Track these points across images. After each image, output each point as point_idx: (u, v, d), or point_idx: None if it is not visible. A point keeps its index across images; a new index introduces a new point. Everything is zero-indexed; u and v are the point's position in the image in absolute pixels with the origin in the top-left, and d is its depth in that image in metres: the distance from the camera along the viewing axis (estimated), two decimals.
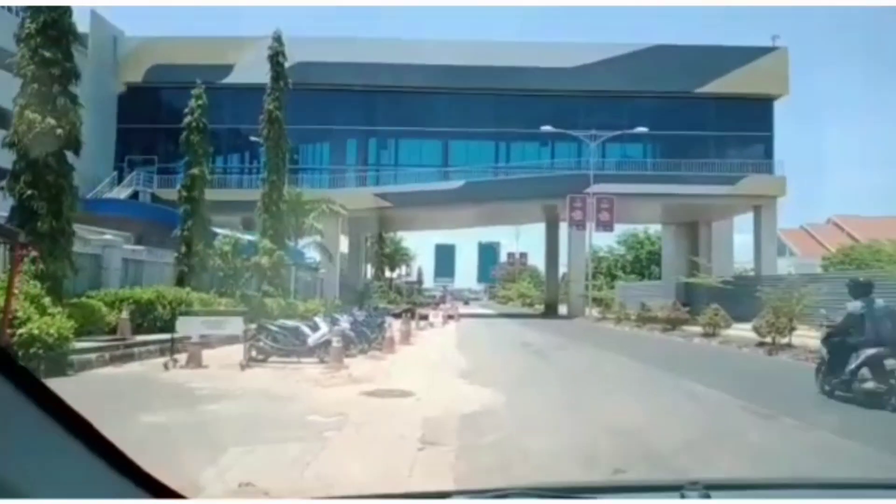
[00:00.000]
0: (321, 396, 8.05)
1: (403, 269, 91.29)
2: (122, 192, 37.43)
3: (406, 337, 18.76)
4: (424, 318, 27.90)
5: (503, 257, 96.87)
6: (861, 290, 8.36)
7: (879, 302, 8.29)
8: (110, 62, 39.59)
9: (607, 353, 15.81)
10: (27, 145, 11.01)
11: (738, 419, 7.23)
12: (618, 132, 35.55)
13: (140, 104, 40.19)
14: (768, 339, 15.76)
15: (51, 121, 11.13)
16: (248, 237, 21.46)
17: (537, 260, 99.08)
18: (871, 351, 7.72)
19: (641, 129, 34.85)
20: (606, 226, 35.07)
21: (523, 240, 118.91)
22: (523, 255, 78.99)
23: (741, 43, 40.13)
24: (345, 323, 14.31)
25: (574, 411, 7.37)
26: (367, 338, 14.85)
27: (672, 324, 21.89)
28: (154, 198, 38.05)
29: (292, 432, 5.76)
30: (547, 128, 35.26)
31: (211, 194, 35.41)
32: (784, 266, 50.04)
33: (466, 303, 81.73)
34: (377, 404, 7.49)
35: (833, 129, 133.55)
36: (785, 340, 15.46)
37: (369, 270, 65.29)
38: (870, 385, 7.68)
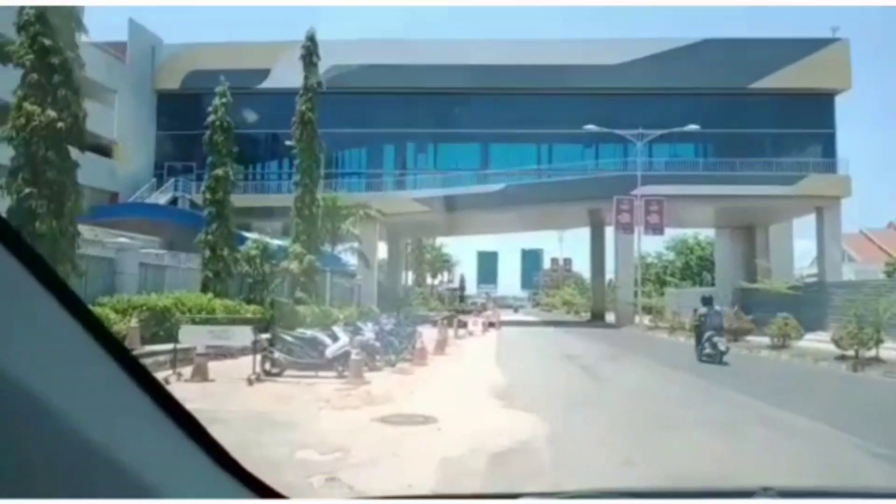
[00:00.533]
0: (326, 422, 6.79)
1: (445, 276, 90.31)
2: (160, 198, 37.35)
3: (441, 347, 17.46)
4: (464, 325, 26.57)
5: (546, 264, 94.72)
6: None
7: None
8: (149, 70, 39.70)
9: (665, 368, 14.12)
10: (25, 139, 10.15)
11: (859, 464, 5.60)
12: (667, 130, 33.57)
13: (178, 110, 40.11)
14: (850, 352, 13.84)
15: (51, 113, 10.27)
16: (277, 242, 20.57)
17: (582, 266, 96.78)
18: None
19: (693, 127, 32.78)
20: (656, 229, 33.06)
21: (567, 245, 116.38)
22: (567, 261, 76.87)
23: (797, 35, 37.64)
24: (369, 332, 13.10)
25: (638, 450, 5.87)
26: (395, 348, 13.61)
27: (734, 334, 19.93)
28: (192, 204, 37.82)
29: (272, 475, 4.47)
30: (591, 127, 33.54)
31: (250, 200, 35.42)
32: (844, 273, 47.01)
33: (516, 310, 79.94)
34: (390, 434, 6.17)
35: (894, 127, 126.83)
36: (871, 354, 13.53)
37: (409, 277, 64.39)
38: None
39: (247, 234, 20.51)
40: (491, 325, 31.58)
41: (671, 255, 73.82)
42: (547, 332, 31.01)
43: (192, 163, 39.77)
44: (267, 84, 38.53)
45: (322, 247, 33.09)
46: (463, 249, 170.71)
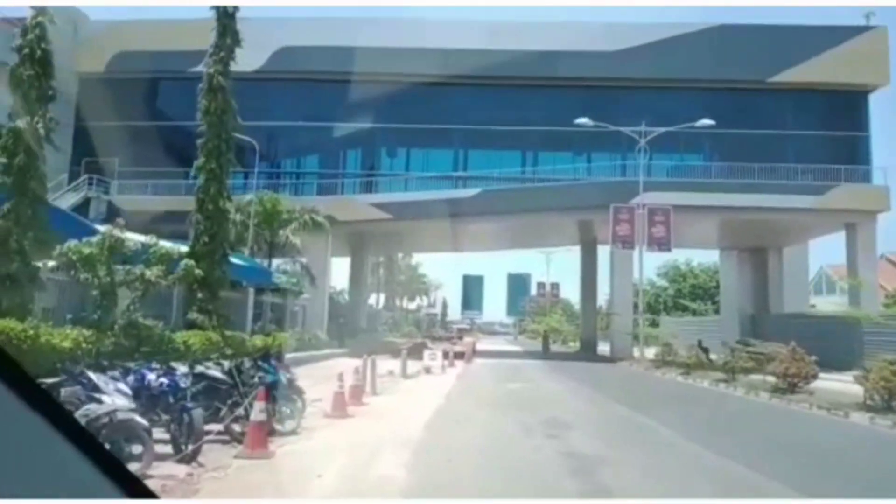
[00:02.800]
0: None
1: (426, 300, 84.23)
2: (70, 198, 31.32)
3: (358, 398, 11.49)
4: (424, 357, 20.61)
5: (534, 289, 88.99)
6: None
7: None
8: (69, 49, 33.81)
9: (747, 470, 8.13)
10: None
11: None
12: (673, 128, 28.06)
13: (101, 97, 34.23)
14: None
15: None
16: (143, 239, 14.63)
17: (570, 291, 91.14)
18: None
19: (705, 122, 27.32)
20: (661, 244, 27.34)
21: (556, 268, 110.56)
22: (555, 285, 71.05)
23: (824, 23, 32.46)
24: (155, 379, 7.14)
25: None
26: (212, 412, 7.58)
27: (793, 379, 13.98)
28: (110, 207, 31.87)
29: None
30: (583, 121, 28.00)
31: (163, 203, 29.37)
32: (838, 304, 41.77)
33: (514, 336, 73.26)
34: None
35: None
36: None
37: (381, 299, 58.44)
38: None
39: (100, 228, 14.46)
40: (459, 356, 25.58)
41: (663, 283, 68.36)
42: (527, 368, 24.95)
43: (115, 158, 33.89)
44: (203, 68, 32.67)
45: (253, 257, 27.18)
46: (448, 273, 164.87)
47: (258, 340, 21.82)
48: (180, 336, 16.36)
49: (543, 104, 32.37)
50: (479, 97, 32.99)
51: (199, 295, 18.85)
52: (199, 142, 19.98)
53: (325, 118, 32.83)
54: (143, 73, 34.28)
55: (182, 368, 7.61)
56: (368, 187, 32.15)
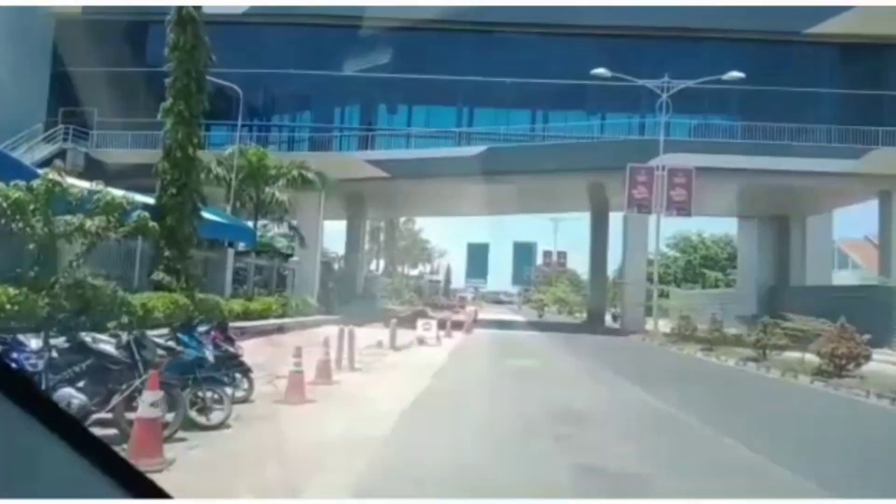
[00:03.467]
0: None
1: (429, 267, 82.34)
2: (43, 150, 29.11)
3: (327, 375, 9.48)
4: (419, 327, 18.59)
5: (540, 258, 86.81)
6: None
7: None
8: None
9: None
10: None
11: None
12: (698, 81, 25.47)
13: (80, 41, 31.75)
14: None
15: None
16: (88, 186, 12.52)
17: (578, 261, 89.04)
18: None
19: (734, 75, 24.75)
20: (682, 208, 25.04)
21: (563, 237, 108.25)
22: (562, 254, 68.97)
23: None
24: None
25: None
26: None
27: (842, 360, 11.89)
28: (88, 159, 29.70)
29: None
30: (600, 71, 25.47)
31: (145, 157, 27.03)
32: (849, 280, 39.70)
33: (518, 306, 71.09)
34: None
35: None
36: None
37: (381, 265, 56.48)
38: None
39: (39, 171, 12.32)
40: (457, 326, 23.61)
41: (673, 254, 65.70)
42: (532, 341, 22.96)
43: (94, 108, 31.54)
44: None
45: (237, 215, 25.07)
46: (452, 240, 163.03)
47: (236, 305, 19.90)
48: (139, 298, 14.40)
49: (556, 56, 29.72)
50: (486, 47, 30.35)
51: (166, 253, 16.87)
52: (167, 80, 17.75)
53: (320, 66, 30.33)
54: (127, 14, 31.71)
55: (34, 342, 5.53)
56: (365, 143, 29.81)
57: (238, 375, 7.45)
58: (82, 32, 31.13)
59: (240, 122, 25.37)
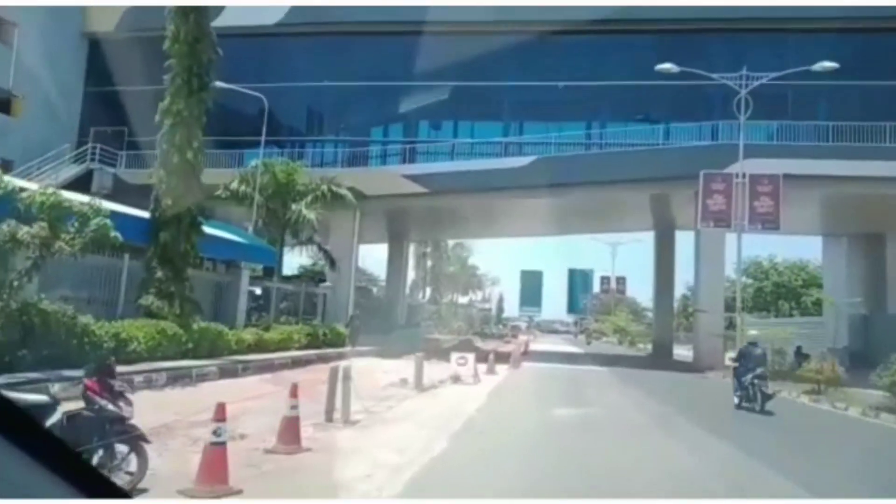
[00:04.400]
0: None
1: (479, 295, 79.22)
2: (69, 172, 27.88)
3: (293, 436, 6.59)
4: (461, 360, 15.55)
5: (597, 286, 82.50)
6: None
7: None
8: (75, 6, 30.52)
9: None
10: None
11: None
12: (779, 74, 21.91)
13: (112, 59, 30.74)
14: None
15: None
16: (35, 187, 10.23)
17: (638, 287, 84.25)
18: None
19: (826, 65, 21.10)
20: (767, 221, 21.29)
21: (621, 261, 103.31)
22: (620, 279, 64.74)
23: None
24: None
25: None
26: None
27: None
28: (117, 180, 28.33)
29: None
30: (666, 66, 22.23)
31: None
32: None
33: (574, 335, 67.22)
34: None
35: None
36: None
37: (427, 291, 53.77)
38: None
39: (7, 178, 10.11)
40: (503, 358, 20.50)
41: (744, 279, 59.69)
42: (589, 379, 19.54)
43: (124, 127, 30.26)
44: (219, 22, 28.56)
45: (264, 237, 22.83)
46: (505, 267, 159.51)
47: (248, 335, 17.40)
48: (112, 327, 12.00)
49: (613, 56, 26.73)
50: (534, 50, 27.53)
51: (158, 274, 14.54)
52: (166, 77, 15.70)
53: (354, 77, 28.23)
54: (158, 30, 30.52)
55: None
56: (403, 158, 27.31)
57: (121, 448, 4.69)
58: (115, 50, 30.02)
59: (264, 134, 23.30)
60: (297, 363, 17.35)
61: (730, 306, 54.53)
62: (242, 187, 22.84)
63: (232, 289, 18.44)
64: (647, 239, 35.72)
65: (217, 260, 18.59)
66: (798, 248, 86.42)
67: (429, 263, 49.79)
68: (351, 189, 24.12)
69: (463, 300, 67.68)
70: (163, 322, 13.68)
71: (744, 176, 21.74)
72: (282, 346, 19.01)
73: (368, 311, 29.70)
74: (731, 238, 23.76)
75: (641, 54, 25.63)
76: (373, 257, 52.72)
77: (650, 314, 56.25)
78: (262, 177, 23.01)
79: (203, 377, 12.96)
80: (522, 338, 51.01)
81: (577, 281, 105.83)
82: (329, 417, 8.55)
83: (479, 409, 10.96)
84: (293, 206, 23.00)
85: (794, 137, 24.68)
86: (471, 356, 15.23)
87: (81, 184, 25.82)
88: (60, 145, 28.69)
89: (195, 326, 14.77)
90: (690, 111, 26.65)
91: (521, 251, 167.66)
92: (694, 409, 12.37)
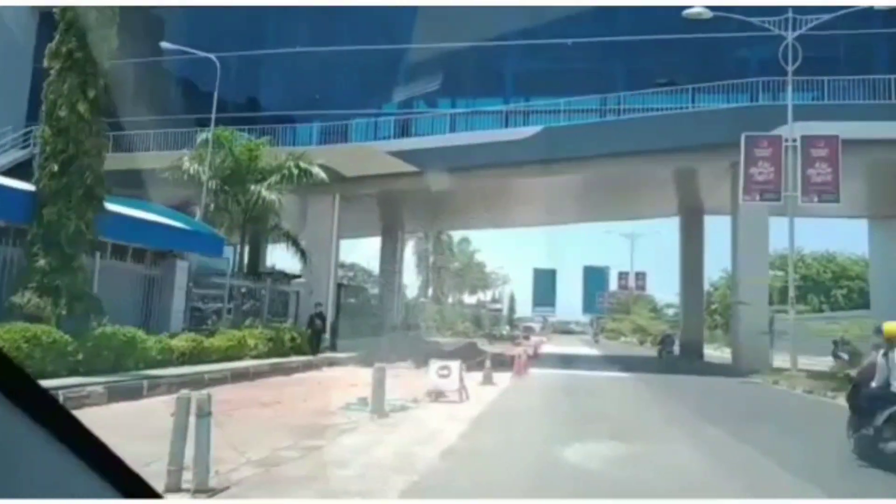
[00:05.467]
0: None
1: (489, 294, 75.32)
2: (12, 156, 24.62)
3: None
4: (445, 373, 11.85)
5: (613, 285, 78.29)
6: None
7: None
8: None
9: None
10: None
11: None
12: (832, 16, 18.00)
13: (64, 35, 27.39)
14: None
15: None
16: None
17: (658, 284, 79.47)
18: None
19: (887, 4, 17.21)
20: (826, 192, 17.39)
21: (640, 255, 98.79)
22: (640, 275, 60.56)
23: None
24: None
25: None
26: None
27: None
28: None
29: None
30: (696, 10, 18.39)
31: (124, 161, 21.22)
32: None
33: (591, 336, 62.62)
34: None
35: None
36: None
37: (429, 290, 50.00)
38: None
39: None
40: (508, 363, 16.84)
41: (773, 272, 54.33)
42: (610, 391, 15.73)
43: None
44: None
45: (214, 223, 19.24)
46: (516, 266, 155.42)
47: (181, 342, 13.84)
48: None
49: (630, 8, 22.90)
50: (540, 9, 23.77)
51: (40, 262, 11.00)
52: (55, 10, 12.23)
53: (332, 42, 24.63)
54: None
55: None
56: (388, 134, 23.67)
57: None
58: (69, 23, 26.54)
59: (215, 101, 19.77)
60: (240, 377, 13.73)
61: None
62: (195, 166, 19.39)
63: (164, 285, 14.86)
64: (669, 229, 31.87)
65: (149, 249, 15.06)
66: (827, 236, 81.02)
67: (430, 259, 46.09)
68: (326, 169, 20.58)
69: (471, 300, 63.88)
70: (37, 326, 10.16)
71: (793, 140, 17.85)
72: (231, 355, 15.46)
73: (355, 312, 26.04)
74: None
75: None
76: (365, 252, 49.04)
77: (672, 311, 52.06)
78: (218, 154, 19.53)
79: (82, 400, 9.39)
80: (534, 339, 47.18)
81: (593, 279, 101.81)
82: (173, 482, 4.91)
83: (451, 448, 7.26)
84: (252, 188, 19.47)
85: (845, 96, 20.70)
86: (455, 365, 11.50)
87: (24, 170, 22.46)
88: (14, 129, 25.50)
89: (98, 332, 11.26)
90: (722, 70, 22.69)
91: (534, 248, 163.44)
92: (762, 437, 8.60)
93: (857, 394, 7.41)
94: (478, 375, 14.34)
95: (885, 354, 6.93)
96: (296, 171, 19.84)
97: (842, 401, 9.76)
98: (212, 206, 18.72)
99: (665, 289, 52.86)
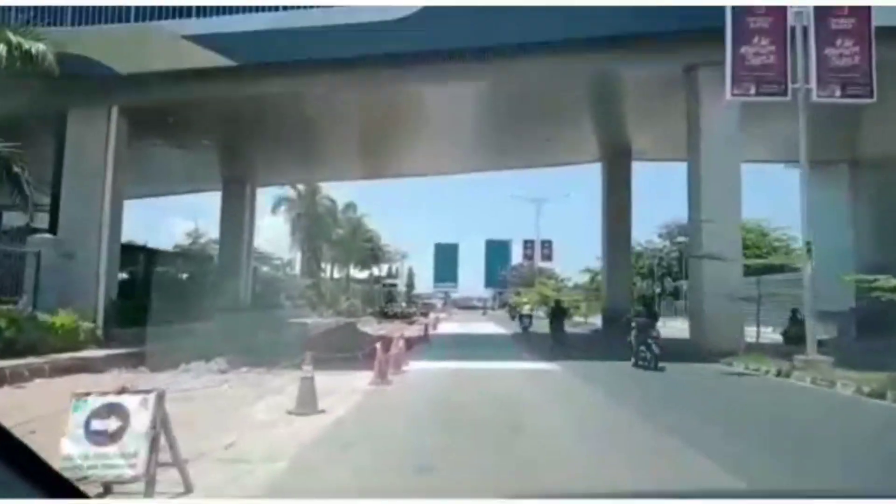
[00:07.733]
0: None
1: (384, 268, 68.16)
2: None
3: None
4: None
5: (518, 255, 73.45)
6: None
7: None
8: None
9: None
10: None
11: None
12: None
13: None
14: None
15: None
16: None
17: (568, 253, 75.60)
18: None
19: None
20: (854, 84, 11.03)
21: (546, 223, 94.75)
22: (546, 243, 55.42)
23: None
24: None
25: None
26: None
27: None
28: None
29: None
30: None
31: None
32: None
33: (484, 312, 57.27)
34: None
35: None
36: None
37: (299, 262, 42.08)
38: None
39: None
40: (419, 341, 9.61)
41: (664, 244, 47.68)
42: (513, 387, 9.00)
43: None
44: None
45: None
46: (418, 242, 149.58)
47: None
48: None
49: None
50: None
51: None
52: None
53: None
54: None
55: None
56: (180, 13, 15.50)
57: None
58: None
59: None
60: None
61: (653, 274, 45.64)
62: None
63: None
64: (579, 195, 25.82)
65: None
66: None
67: (302, 223, 38.21)
68: (90, 62, 12.44)
69: (362, 275, 56.42)
70: None
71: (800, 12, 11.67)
72: None
73: (165, 287, 18.10)
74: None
75: None
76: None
77: (586, 277, 47.05)
78: None
79: None
80: (432, 316, 40.77)
81: (495, 253, 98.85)
82: None
83: None
84: None
85: None
86: (139, 402, 4.19)
87: None
88: None
89: None
90: None
91: (434, 225, 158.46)
92: None
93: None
94: (331, 380, 7.28)
95: None
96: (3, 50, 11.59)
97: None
98: None
99: (569, 262, 47.34)
